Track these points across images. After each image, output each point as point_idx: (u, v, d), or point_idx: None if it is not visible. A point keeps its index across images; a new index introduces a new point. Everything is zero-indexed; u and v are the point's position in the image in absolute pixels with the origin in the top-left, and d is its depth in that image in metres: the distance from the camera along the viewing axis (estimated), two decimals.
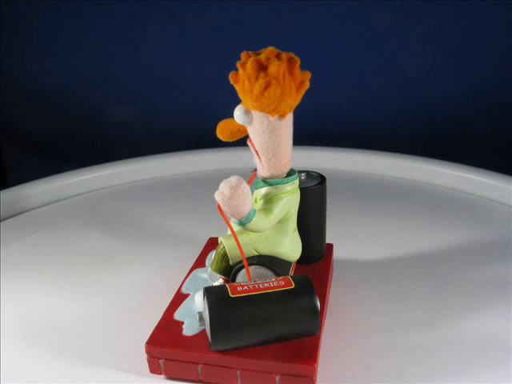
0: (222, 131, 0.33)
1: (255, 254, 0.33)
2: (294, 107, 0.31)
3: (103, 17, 0.86)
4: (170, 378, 0.31)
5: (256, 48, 0.32)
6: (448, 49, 0.79)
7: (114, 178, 0.66)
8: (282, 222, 0.33)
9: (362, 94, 0.85)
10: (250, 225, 0.31)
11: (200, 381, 0.31)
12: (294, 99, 0.30)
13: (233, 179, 0.30)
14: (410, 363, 0.32)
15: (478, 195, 0.58)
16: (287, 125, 0.32)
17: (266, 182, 0.33)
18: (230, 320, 0.28)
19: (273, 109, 0.30)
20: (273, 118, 0.31)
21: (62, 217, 0.56)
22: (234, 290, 0.29)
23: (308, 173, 0.40)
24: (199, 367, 0.30)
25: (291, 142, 0.33)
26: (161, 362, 0.30)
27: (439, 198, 0.59)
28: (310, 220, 0.38)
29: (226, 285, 0.30)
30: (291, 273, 0.35)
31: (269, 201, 0.32)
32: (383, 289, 0.40)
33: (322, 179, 0.39)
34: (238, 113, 0.31)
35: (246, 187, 0.30)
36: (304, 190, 0.36)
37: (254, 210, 0.31)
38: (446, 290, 0.39)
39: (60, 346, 0.34)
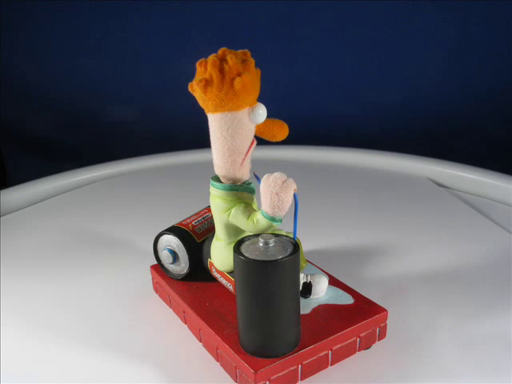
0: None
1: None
2: (206, 109, 0.31)
3: (103, 17, 0.86)
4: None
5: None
6: (448, 49, 0.79)
7: (114, 178, 0.66)
8: None
9: (362, 94, 0.86)
10: None
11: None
12: (199, 98, 0.30)
13: None
14: (410, 362, 0.32)
15: (478, 195, 0.58)
16: (210, 125, 0.30)
17: None
18: None
19: None
20: None
21: (61, 216, 0.56)
22: (187, 222, 0.37)
23: (279, 237, 0.27)
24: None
25: (213, 146, 0.30)
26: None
27: (439, 197, 0.59)
28: (279, 302, 0.26)
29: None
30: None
31: None
32: (382, 288, 0.40)
33: (294, 248, 0.26)
34: None
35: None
36: (268, 264, 0.25)
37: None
38: (444, 289, 0.39)
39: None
